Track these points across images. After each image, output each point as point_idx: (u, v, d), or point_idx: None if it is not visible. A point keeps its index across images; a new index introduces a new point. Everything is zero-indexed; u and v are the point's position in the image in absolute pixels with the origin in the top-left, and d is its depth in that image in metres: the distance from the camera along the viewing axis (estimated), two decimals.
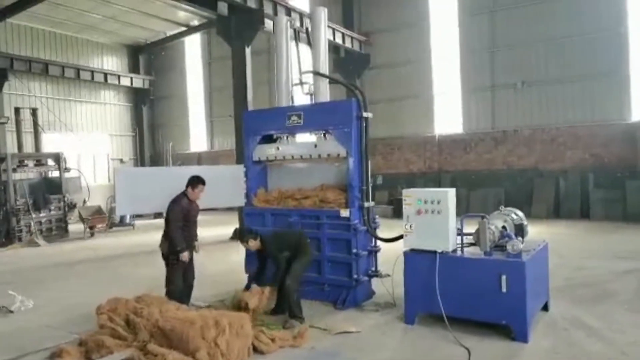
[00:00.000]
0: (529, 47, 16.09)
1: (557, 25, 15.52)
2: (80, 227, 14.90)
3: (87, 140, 22.59)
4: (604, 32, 14.83)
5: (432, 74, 18.12)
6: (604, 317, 5.54)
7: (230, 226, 14.08)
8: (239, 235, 6.38)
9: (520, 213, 5.98)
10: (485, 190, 16.32)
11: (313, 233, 6.62)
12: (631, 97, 14.71)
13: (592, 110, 15.20)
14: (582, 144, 15.26)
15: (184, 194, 5.97)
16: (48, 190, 14.66)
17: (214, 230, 15.15)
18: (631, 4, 14.64)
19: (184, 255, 5.83)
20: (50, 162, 15.16)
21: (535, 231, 9.66)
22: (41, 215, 14.20)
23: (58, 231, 14.57)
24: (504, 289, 4.87)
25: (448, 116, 17.86)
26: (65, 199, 14.81)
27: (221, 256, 10.67)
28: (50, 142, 19.60)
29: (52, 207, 14.56)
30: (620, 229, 12.34)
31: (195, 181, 5.97)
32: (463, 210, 14.02)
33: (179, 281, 6.01)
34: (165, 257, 5.99)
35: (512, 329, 4.92)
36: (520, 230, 5.63)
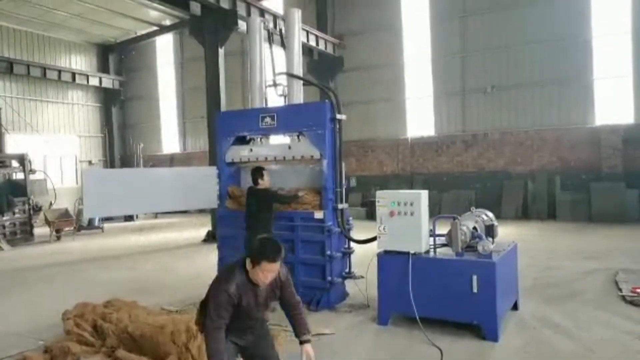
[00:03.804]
0: (498, 52, 16.46)
1: (525, 32, 15.92)
2: (46, 230, 14.46)
3: (53, 142, 21.94)
4: (570, 39, 15.30)
5: (405, 77, 18.33)
6: (572, 315, 5.68)
7: (202, 228, 13.91)
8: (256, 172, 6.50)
9: (490, 214, 6.09)
10: (457, 192, 16.58)
11: (287, 235, 6.60)
12: (595, 102, 15.21)
13: (558, 114, 15.65)
14: (549, 147, 15.68)
15: (241, 266, 3.24)
16: (12, 192, 14.15)
17: (186, 232, 14.95)
18: (595, 12, 15.14)
19: None
20: (15, 163, 14.66)
21: (505, 232, 9.86)
22: (4, 218, 13.70)
23: (23, 235, 14.09)
24: (474, 289, 4.95)
25: (420, 119, 18.09)
26: (31, 201, 14.35)
27: (193, 259, 10.52)
28: (14, 143, 18.96)
29: (17, 210, 14.07)
30: (585, 230, 12.71)
31: (265, 252, 3.13)
32: (435, 211, 14.21)
33: None
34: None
35: (483, 328, 4.99)
36: (490, 231, 5.72)
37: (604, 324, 5.35)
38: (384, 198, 5.54)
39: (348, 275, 6.62)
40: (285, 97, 7.21)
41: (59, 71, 21.65)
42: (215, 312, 3.17)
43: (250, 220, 6.42)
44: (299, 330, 3.52)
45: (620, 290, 6.53)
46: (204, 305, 3.35)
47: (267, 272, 3.16)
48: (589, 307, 6.01)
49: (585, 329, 5.23)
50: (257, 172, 6.51)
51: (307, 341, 3.48)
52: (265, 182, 6.49)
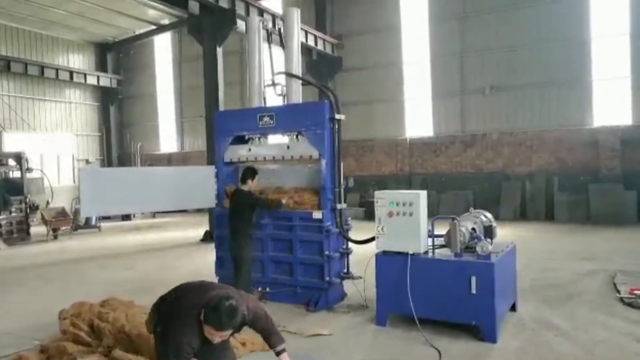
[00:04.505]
0: (497, 53, 16.46)
1: (524, 33, 15.93)
2: (43, 229, 14.40)
3: (51, 140, 21.87)
4: (568, 40, 15.31)
5: (404, 77, 18.32)
6: (570, 317, 5.67)
7: (200, 228, 13.87)
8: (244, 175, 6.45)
9: (489, 215, 6.07)
10: (455, 192, 16.57)
11: (285, 235, 6.58)
12: (593, 103, 15.22)
13: (557, 115, 15.65)
14: (547, 148, 15.68)
15: (197, 320, 3.14)
16: (9, 191, 14.09)
17: (184, 232, 14.91)
18: (594, 14, 15.15)
19: None
20: (11, 162, 14.59)
21: (503, 233, 9.86)
22: (1, 217, 13.64)
23: (19, 234, 14.02)
24: (473, 290, 4.93)
25: (419, 119, 18.09)
26: (27, 200, 14.28)
27: (191, 259, 10.49)
28: (11, 141, 18.93)
29: (13, 209, 14.00)
30: (583, 231, 12.71)
31: (213, 320, 3.07)
32: (433, 212, 14.18)
33: None
34: None
35: (481, 329, 4.98)
36: (489, 232, 5.70)
37: (602, 326, 5.34)
38: (382, 198, 5.52)
39: (346, 275, 6.59)
40: (284, 96, 7.18)
41: (57, 70, 21.61)
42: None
43: (231, 221, 6.37)
44: (273, 344, 3.57)
45: (618, 291, 6.52)
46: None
47: (215, 336, 3.13)
48: (587, 308, 5.99)
49: (584, 330, 5.22)
50: (250, 172, 6.45)
51: (283, 350, 3.53)
52: (252, 185, 6.43)
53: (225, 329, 3.11)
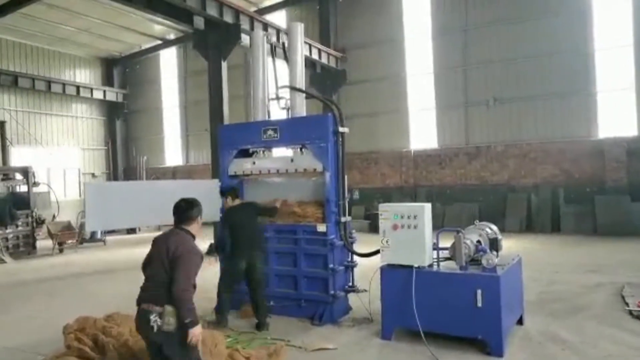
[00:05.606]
0: (500, 65, 16.49)
1: (527, 45, 15.97)
2: (48, 243, 14.45)
3: (57, 154, 22.04)
4: (572, 52, 15.32)
5: (407, 90, 18.38)
6: (577, 330, 5.61)
7: (206, 240, 13.85)
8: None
9: (494, 227, 6.04)
10: (460, 204, 16.51)
11: (289, 248, 6.57)
12: (598, 115, 15.19)
13: (561, 126, 15.62)
14: (552, 160, 15.63)
15: (186, 231, 4.04)
16: (15, 205, 14.17)
17: None
18: (597, 26, 15.19)
19: (196, 332, 3.54)
20: (18, 176, 14.70)
21: (509, 245, 9.78)
22: (8, 231, 13.70)
23: (25, 247, 14.07)
24: (479, 304, 4.89)
25: (423, 131, 18.11)
26: (34, 214, 14.35)
27: None
28: (18, 156, 19.07)
29: (20, 223, 14.07)
30: (590, 243, 12.61)
31: (194, 208, 4.19)
32: (438, 224, 14.14)
33: None
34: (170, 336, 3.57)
35: (488, 343, 4.93)
36: (494, 245, 5.67)
37: (610, 339, 5.28)
38: (386, 211, 5.50)
39: (351, 288, 6.57)
40: (288, 110, 7.22)
41: (64, 84, 21.85)
42: (194, 276, 3.67)
43: (244, 236, 6.18)
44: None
45: (626, 304, 6.45)
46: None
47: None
48: (595, 322, 5.93)
49: (592, 344, 5.16)
50: (235, 191, 6.55)
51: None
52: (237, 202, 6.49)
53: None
